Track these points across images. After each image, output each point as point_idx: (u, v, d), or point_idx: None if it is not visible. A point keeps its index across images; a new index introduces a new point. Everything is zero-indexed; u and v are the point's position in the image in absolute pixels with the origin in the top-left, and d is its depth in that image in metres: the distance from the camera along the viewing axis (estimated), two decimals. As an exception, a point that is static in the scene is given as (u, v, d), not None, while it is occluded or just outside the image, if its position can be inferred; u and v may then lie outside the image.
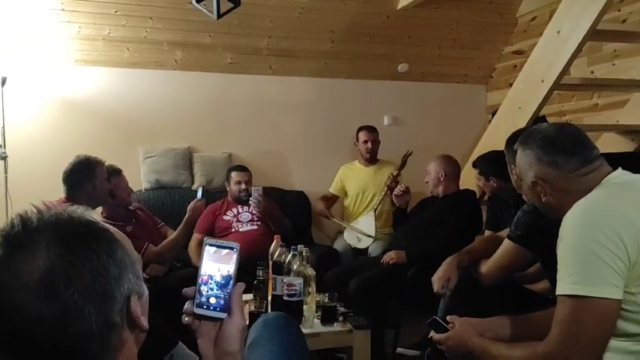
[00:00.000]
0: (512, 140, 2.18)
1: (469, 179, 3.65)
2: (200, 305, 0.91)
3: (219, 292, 0.92)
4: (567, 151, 1.42)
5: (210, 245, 0.95)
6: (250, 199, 3.49)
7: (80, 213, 0.76)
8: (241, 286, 0.94)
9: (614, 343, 1.26)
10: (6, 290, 0.68)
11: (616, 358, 1.26)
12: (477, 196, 3.49)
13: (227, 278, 0.93)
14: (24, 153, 3.71)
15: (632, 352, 1.25)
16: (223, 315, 0.92)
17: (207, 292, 0.92)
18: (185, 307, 0.92)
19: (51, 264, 0.69)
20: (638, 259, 1.21)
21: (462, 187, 3.39)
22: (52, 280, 0.69)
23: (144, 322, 0.78)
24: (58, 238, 0.71)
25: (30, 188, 3.27)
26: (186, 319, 0.92)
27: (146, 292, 0.82)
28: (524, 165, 1.51)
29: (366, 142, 4.08)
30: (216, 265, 0.94)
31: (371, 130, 4.11)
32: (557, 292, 1.28)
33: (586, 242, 1.24)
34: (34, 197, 0.76)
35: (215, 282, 0.92)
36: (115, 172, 3.04)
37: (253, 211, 3.56)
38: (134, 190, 3.40)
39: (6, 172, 3.56)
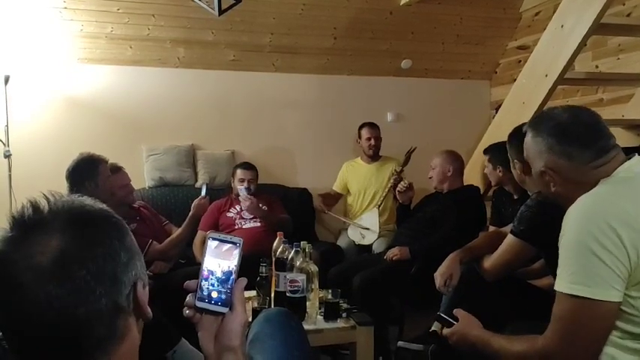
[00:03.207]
0: (514, 135, 2.16)
1: (472, 175, 3.64)
2: (202, 299, 0.91)
3: (219, 287, 0.92)
4: (582, 141, 1.35)
5: (213, 239, 0.95)
6: (240, 198, 3.52)
7: (90, 201, 0.79)
8: (243, 281, 0.94)
9: (613, 338, 1.25)
10: (16, 270, 0.69)
11: (616, 352, 1.24)
12: (481, 192, 3.48)
13: (227, 274, 0.93)
14: (28, 151, 3.73)
15: (632, 350, 1.24)
16: (224, 309, 0.92)
17: (208, 287, 0.92)
18: (187, 299, 0.92)
19: (65, 245, 0.71)
20: (639, 263, 1.19)
21: (465, 183, 3.38)
22: (66, 260, 0.70)
23: (148, 309, 0.80)
24: (72, 221, 0.73)
25: (34, 186, 3.24)
26: (187, 311, 0.92)
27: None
28: (534, 152, 1.43)
29: (369, 139, 4.08)
30: (217, 260, 0.93)
31: (373, 126, 4.11)
32: (555, 287, 1.27)
33: (587, 242, 1.20)
34: (37, 195, 0.77)
35: (216, 277, 0.92)
36: (114, 170, 3.01)
37: (242, 208, 3.58)
38: (137, 188, 3.39)
39: (10, 170, 3.57)
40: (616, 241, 1.18)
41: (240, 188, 3.54)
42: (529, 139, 1.46)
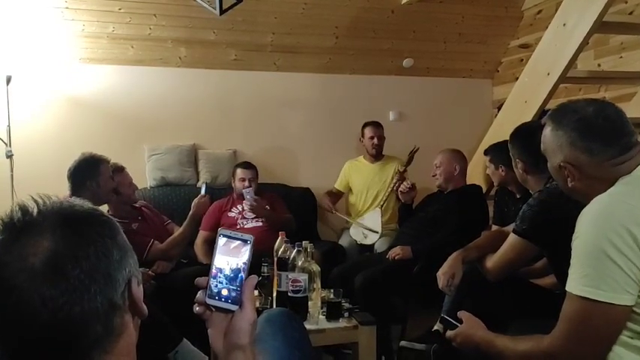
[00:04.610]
0: (516, 134, 2.17)
1: (475, 174, 3.63)
2: (212, 296, 0.91)
3: (228, 285, 0.92)
4: (605, 138, 1.31)
5: (223, 236, 0.94)
6: (244, 201, 3.51)
7: (80, 201, 0.79)
8: (253, 279, 0.94)
9: (623, 338, 1.23)
10: (8, 272, 0.69)
11: (625, 352, 1.24)
12: (484, 191, 3.47)
13: (236, 271, 0.92)
14: (30, 151, 3.72)
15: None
16: (234, 307, 0.91)
17: (217, 284, 0.92)
18: (197, 296, 0.92)
19: (57, 246, 0.71)
20: None
21: (467, 182, 3.37)
22: (59, 260, 0.70)
23: (144, 306, 0.80)
24: (62, 222, 0.73)
25: (36, 186, 3.25)
26: (197, 308, 0.92)
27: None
28: (554, 145, 1.39)
29: (372, 138, 4.07)
30: (225, 258, 0.93)
31: (377, 125, 4.10)
32: (567, 288, 1.26)
33: (601, 244, 1.18)
34: (27, 198, 0.77)
35: (224, 275, 0.92)
36: (118, 169, 3.03)
37: (245, 209, 3.58)
38: (139, 187, 3.40)
39: (12, 171, 3.57)
40: (631, 244, 1.17)
41: (247, 190, 3.52)
42: (548, 131, 1.42)
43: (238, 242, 0.94)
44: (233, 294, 0.91)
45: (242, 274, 0.92)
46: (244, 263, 0.93)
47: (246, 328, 0.90)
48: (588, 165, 1.33)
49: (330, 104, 4.51)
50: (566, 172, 1.37)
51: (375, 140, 4.06)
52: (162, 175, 3.98)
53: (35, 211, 0.74)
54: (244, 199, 3.54)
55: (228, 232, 0.95)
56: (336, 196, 4.20)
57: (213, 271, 0.92)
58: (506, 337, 1.46)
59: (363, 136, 4.16)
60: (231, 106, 4.30)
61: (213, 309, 0.92)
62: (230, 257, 0.93)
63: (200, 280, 0.93)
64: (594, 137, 1.32)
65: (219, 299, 0.91)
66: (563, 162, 1.37)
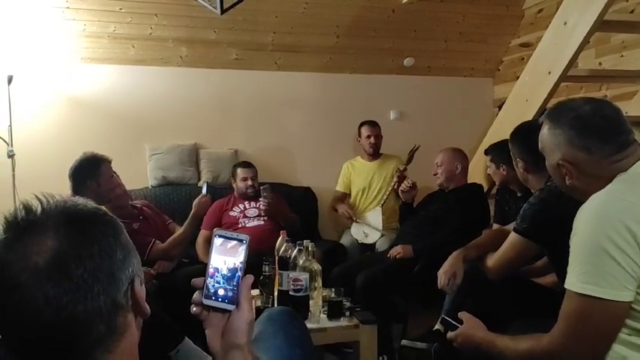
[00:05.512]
0: (516, 133, 2.16)
1: (476, 174, 3.63)
2: (208, 296, 0.92)
3: (225, 284, 0.92)
4: (602, 136, 1.32)
5: (219, 237, 0.95)
6: (260, 199, 3.50)
7: (83, 201, 0.79)
8: (249, 278, 0.94)
9: (622, 335, 1.24)
10: (12, 272, 0.69)
11: (624, 349, 1.24)
12: (485, 190, 3.47)
13: (233, 271, 0.93)
14: (31, 151, 3.73)
15: (638, 347, 1.23)
16: (231, 307, 0.92)
17: (214, 284, 0.92)
18: (194, 296, 0.92)
19: (60, 245, 0.71)
20: None
21: (468, 180, 3.37)
22: (62, 259, 0.70)
23: (146, 306, 0.80)
24: (66, 221, 0.73)
25: (37, 186, 3.25)
26: (194, 309, 0.92)
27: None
28: (551, 144, 1.40)
29: (369, 137, 4.08)
30: (222, 257, 0.94)
31: (373, 124, 4.11)
32: (566, 286, 1.26)
33: (600, 241, 1.19)
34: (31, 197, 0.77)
35: (221, 275, 0.93)
36: None
37: (260, 207, 3.56)
38: (139, 188, 3.39)
39: (13, 170, 3.58)
40: (630, 240, 1.17)
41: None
42: (546, 130, 1.43)
43: (234, 242, 0.94)
44: (230, 294, 0.92)
45: (239, 274, 0.93)
46: (241, 263, 0.94)
47: (243, 327, 0.91)
48: (586, 163, 1.34)
49: (331, 103, 4.51)
50: (564, 171, 1.38)
51: (372, 139, 4.07)
52: (164, 175, 3.98)
53: (39, 210, 0.74)
54: (260, 198, 3.52)
55: (223, 233, 0.96)
56: (341, 199, 4.18)
57: (211, 270, 0.93)
58: (507, 336, 1.46)
59: (359, 135, 4.16)
60: (232, 105, 4.31)
61: (210, 309, 0.92)
62: (227, 257, 0.93)
63: (196, 281, 0.93)
64: (591, 135, 1.33)
65: (216, 299, 0.92)
66: (561, 160, 1.38)
